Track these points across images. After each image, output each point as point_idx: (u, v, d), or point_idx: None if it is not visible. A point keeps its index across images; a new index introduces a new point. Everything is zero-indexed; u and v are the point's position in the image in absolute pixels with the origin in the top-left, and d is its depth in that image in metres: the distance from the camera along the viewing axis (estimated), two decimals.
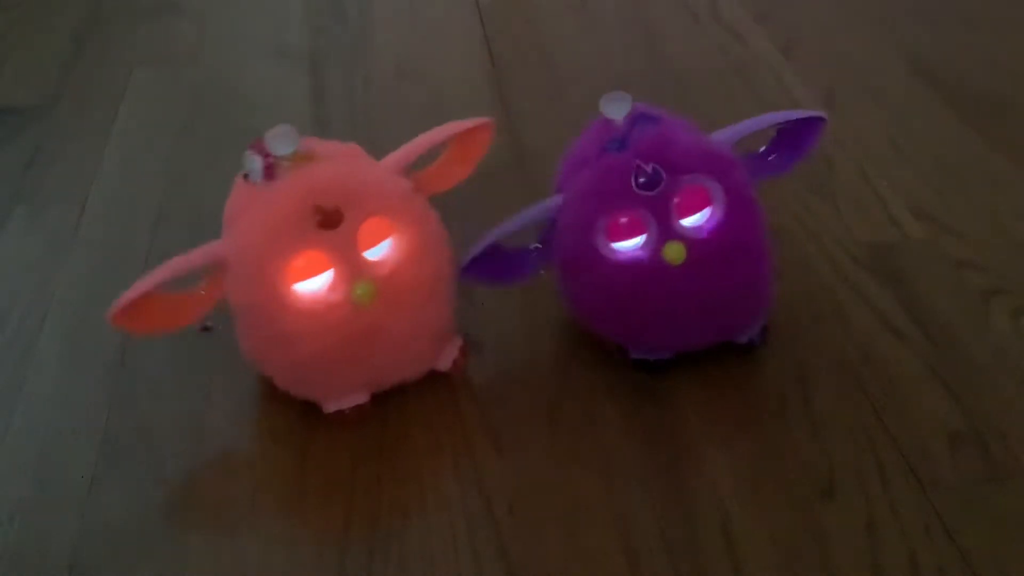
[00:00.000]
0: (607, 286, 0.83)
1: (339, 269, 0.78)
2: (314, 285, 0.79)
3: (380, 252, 0.81)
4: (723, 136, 0.85)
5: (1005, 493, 0.78)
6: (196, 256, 0.80)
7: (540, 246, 0.89)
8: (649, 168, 0.80)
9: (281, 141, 0.79)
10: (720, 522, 0.76)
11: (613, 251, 0.82)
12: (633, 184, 0.80)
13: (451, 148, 0.88)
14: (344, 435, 0.84)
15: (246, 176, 0.83)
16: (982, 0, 1.47)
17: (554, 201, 0.86)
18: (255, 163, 0.81)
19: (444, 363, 0.87)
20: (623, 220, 0.82)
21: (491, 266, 0.88)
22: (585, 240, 0.82)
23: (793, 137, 0.89)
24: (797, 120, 0.89)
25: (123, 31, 1.44)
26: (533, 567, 0.74)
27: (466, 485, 0.80)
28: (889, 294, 0.96)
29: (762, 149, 0.90)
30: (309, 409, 0.85)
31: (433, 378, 0.87)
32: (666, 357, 0.87)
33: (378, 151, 0.87)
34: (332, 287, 0.79)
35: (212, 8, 1.50)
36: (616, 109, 0.83)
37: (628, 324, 0.85)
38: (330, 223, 0.77)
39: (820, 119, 0.88)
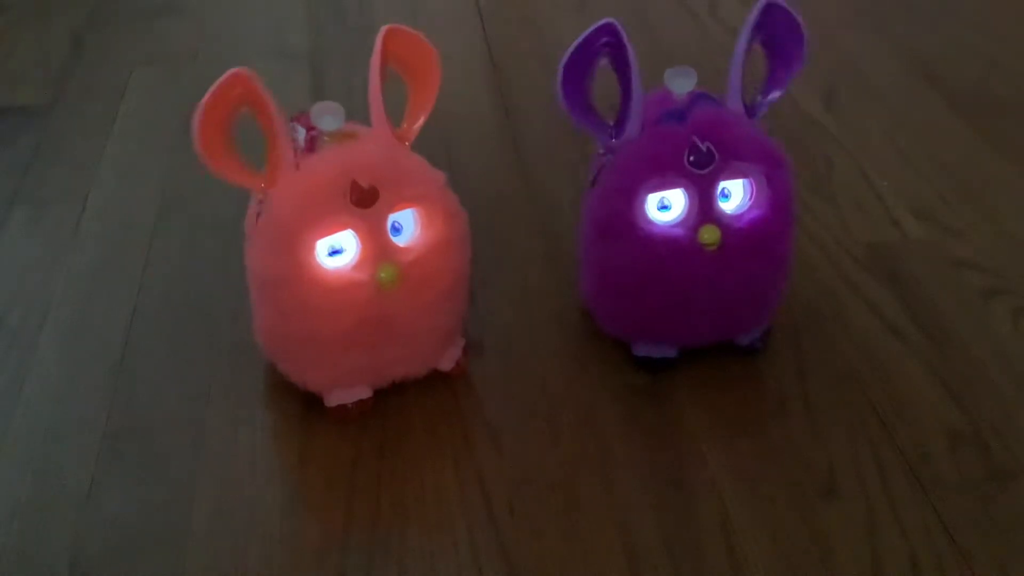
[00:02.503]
0: (636, 256, 0.82)
1: (367, 248, 0.78)
2: (340, 261, 0.78)
3: (408, 239, 0.80)
4: (732, 94, 0.82)
5: (1005, 493, 0.78)
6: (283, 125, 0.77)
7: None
8: (704, 146, 0.79)
9: (328, 116, 0.79)
10: (720, 522, 0.76)
11: (650, 221, 0.81)
12: (685, 159, 0.79)
13: (410, 90, 0.83)
14: (344, 434, 0.84)
15: None
16: (982, 0, 1.48)
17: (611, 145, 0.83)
18: (299, 134, 0.81)
19: (447, 363, 0.87)
20: (667, 192, 0.80)
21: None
22: (625, 203, 0.81)
23: (780, 51, 0.84)
24: (773, 31, 0.84)
25: (123, 31, 1.44)
26: (533, 567, 0.74)
27: (466, 485, 0.80)
28: (889, 294, 0.96)
29: (763, 84, 0.85)
30: (309, 409, 0.85)
31: (434, 377, 0.87)
32: (670, 355, 0.87)
33: None
34: (358, 265, 0.78)
35: (212, 8, 1.50)
36: (681, 84, 0.82)
37: (644, 304, 0.84)
38: (365, 201, 0.77)
39: (788, 15, 0.82)
